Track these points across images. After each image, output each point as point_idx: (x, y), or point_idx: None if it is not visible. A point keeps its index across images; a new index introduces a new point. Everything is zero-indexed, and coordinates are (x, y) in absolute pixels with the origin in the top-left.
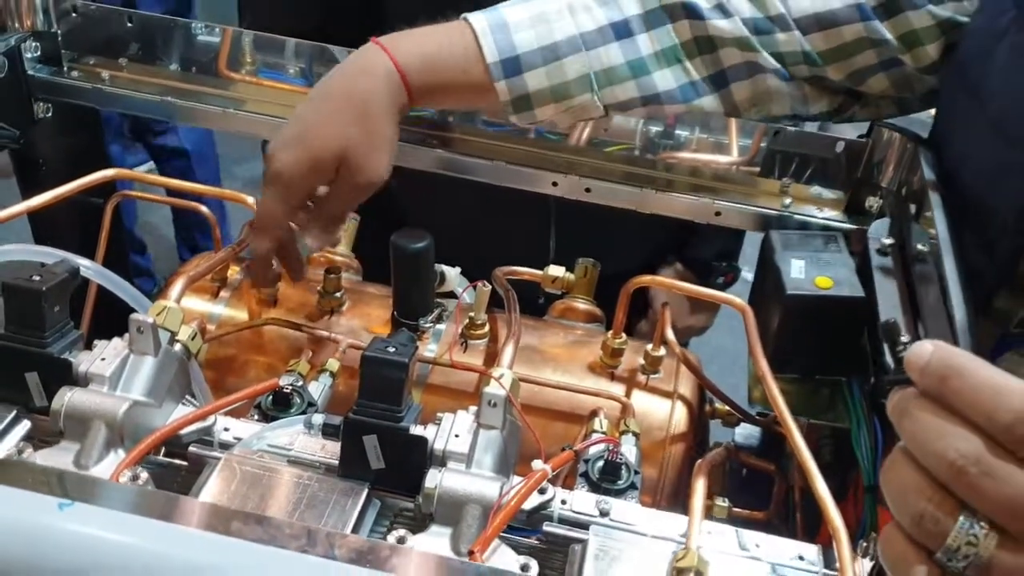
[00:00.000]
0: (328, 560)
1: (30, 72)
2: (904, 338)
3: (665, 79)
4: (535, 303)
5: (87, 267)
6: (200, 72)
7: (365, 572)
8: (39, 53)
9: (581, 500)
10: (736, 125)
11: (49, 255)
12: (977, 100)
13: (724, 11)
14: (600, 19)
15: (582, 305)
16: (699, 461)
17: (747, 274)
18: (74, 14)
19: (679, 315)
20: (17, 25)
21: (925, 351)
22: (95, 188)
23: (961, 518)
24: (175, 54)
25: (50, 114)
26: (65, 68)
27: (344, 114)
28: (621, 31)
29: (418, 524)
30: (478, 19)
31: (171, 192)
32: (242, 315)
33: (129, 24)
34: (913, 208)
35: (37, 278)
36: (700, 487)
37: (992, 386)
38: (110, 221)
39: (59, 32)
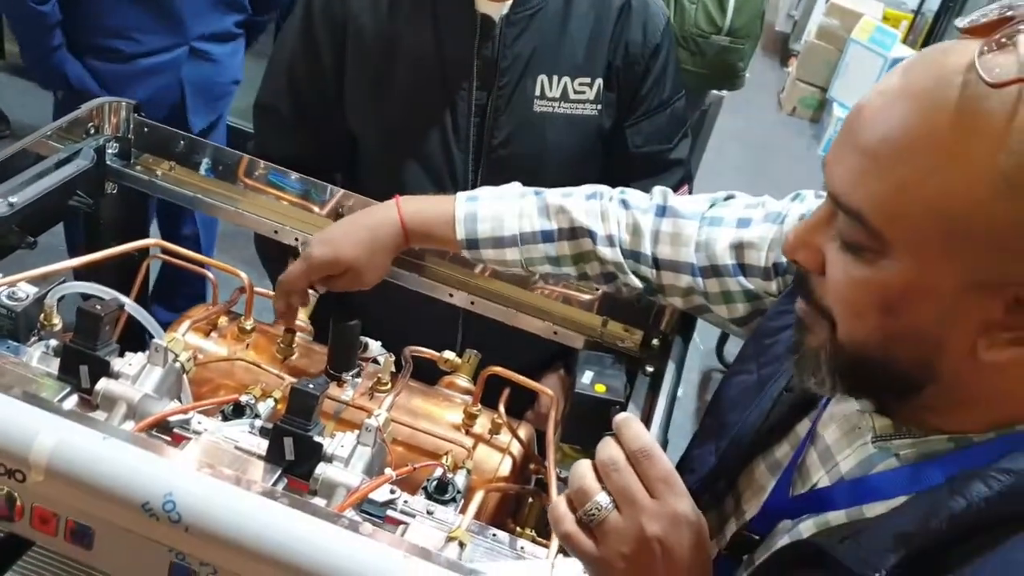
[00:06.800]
0: (247, 491)
1: (108, 163)
2: None
3: (570, 269)
4: (436, 374)
5: (127, 303)
6: (224, 177)
7: (271, 502)
8: (116, 150)
9: (417, 502)
10: None
11: (103, 292)
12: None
13: (611, 243)
14: (535, 226)
15: (461, 382)
16: (488, 487)
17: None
18: (145, 129)
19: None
20: (108, 129)
21: (620, 417)
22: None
23: (600, 494)
24: (209, 163)
25: (115, 191)
26: (132, 162)
27: (363, 243)
28: (548, 237)
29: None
30: (460, 207)
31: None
32: (222, 351)
33: (181, 142)
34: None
35: (99, 307)
36: (477, 496)
37: (636, 434)
38: (143, 273)
39: (131, 138)
